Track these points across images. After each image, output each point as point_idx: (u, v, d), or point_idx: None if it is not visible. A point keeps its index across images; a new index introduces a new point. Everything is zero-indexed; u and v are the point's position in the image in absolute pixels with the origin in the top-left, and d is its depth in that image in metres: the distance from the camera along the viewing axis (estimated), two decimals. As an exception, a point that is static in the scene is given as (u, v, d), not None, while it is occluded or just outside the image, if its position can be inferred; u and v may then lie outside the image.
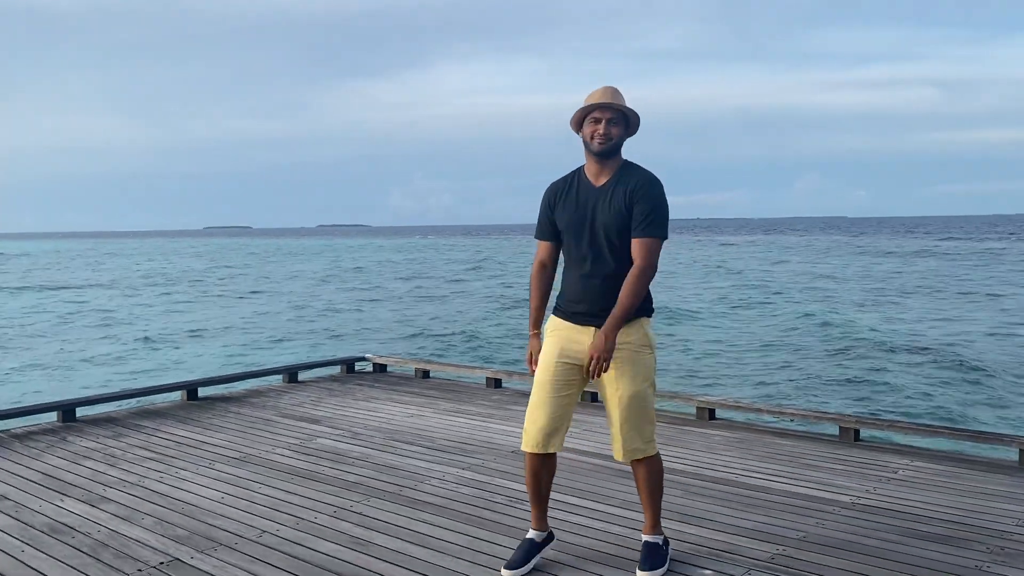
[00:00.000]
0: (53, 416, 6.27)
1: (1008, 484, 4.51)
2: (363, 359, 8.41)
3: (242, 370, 9.08)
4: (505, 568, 3.40)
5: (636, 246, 3.25)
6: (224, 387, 7.47)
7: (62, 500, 4.40)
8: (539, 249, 3.53)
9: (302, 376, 7.93)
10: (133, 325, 23.90)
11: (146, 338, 20.52)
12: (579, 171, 3.43)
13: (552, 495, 3.97)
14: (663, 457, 5.15)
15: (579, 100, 3.37)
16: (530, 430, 3.38)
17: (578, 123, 3.35)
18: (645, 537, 3.47)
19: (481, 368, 8.11)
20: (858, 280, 34.86)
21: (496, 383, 7.47)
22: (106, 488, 4.60)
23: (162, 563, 3.56)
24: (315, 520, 4.06)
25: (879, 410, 11.09)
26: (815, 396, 12.29)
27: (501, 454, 5.23)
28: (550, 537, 3.56)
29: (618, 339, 3.23)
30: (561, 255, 3.50)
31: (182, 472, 4.90)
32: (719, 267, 47.01)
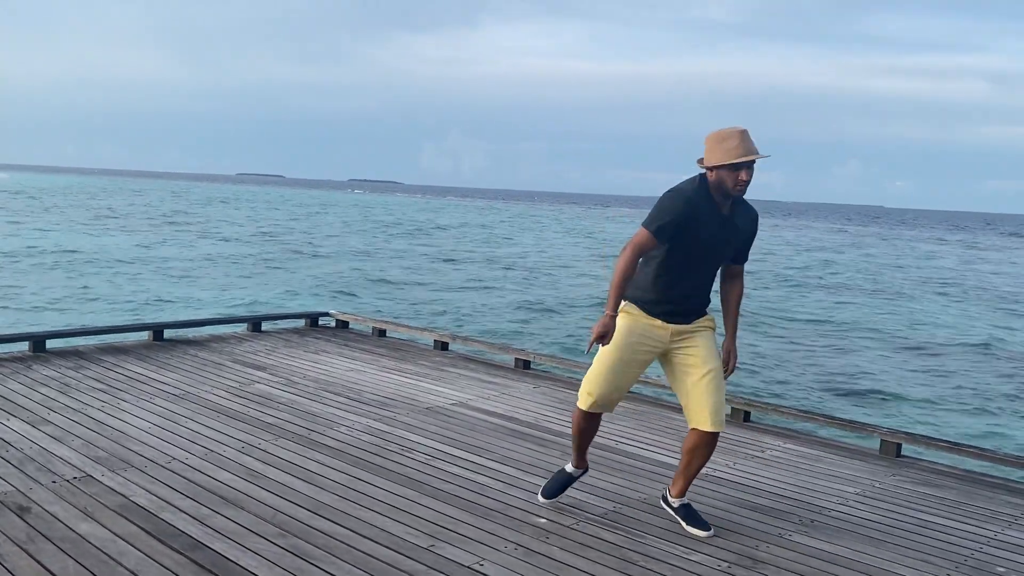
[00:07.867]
0: (25, 346, 6.84)
1: (857, 469, 4.92)
2: (327, 315, 8.92)
3: (210, 316, 9.63)
4: (541, 495, 4.06)
5: (739, 272, 3.91)
6: (191, 331, 8.02)
7: (8, 420, 4.95)
8: (648, 243, 3.62)
9: (266, 327, 8.45)
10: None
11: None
12: (704, 191, 3.65)
13: (449, 449, 4.56)
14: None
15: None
16: (606, 397, 3.81)
17: (718, 164, 3.57)
18: (685, 500, 3.93)
19: (431, 331, 8.58)
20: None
21: (443, 346, 7.95)
22: (50, 412, 5.15)
23: (76, 477, 4.09)
24: (222, 453, 4.58)
25: (781, 393, 11.49)
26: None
27: (416, 410, 5.71)
28: (585, 471, 4.14)
29: (704, 324, 3.79)
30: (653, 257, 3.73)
31: (122, 404, 5.44)
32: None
